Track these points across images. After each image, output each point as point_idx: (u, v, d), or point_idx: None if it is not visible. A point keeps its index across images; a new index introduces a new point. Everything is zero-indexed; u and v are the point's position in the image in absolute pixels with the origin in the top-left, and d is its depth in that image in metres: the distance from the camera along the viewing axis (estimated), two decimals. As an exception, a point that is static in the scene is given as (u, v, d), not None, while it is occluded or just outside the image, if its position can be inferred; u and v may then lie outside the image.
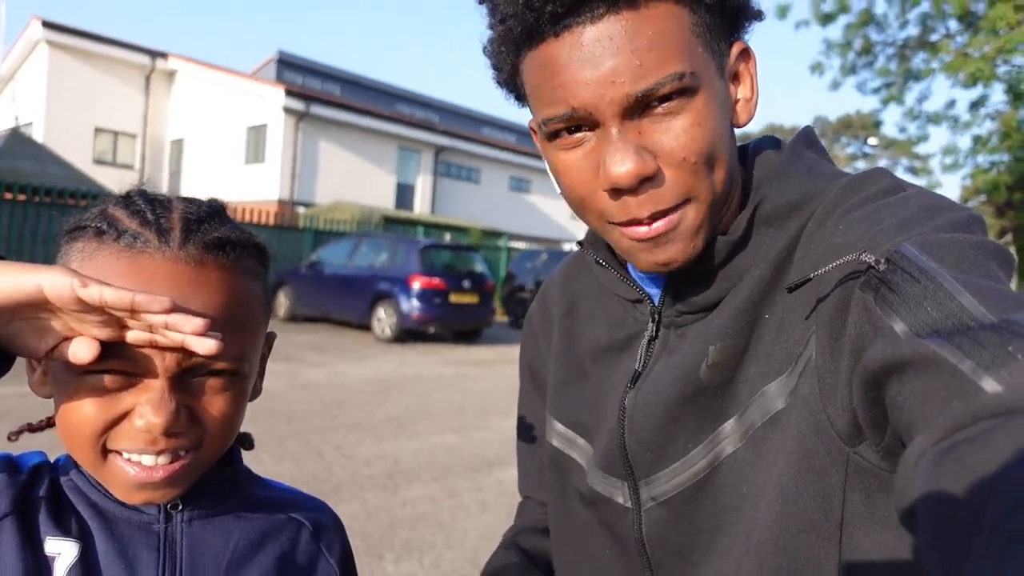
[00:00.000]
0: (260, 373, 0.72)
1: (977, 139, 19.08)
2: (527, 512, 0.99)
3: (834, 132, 50.15)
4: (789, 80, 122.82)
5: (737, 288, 0.68)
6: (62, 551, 0.60)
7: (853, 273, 0.55)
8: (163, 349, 0.58)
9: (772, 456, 0.63)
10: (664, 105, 0.60)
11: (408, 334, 10.70)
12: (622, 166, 0.60)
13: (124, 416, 0.59)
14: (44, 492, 0.62)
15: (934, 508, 0.37)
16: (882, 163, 48.40)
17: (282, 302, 12.18)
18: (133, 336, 0.56)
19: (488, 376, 8.39)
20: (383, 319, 10.62)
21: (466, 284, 10.79)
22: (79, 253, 0.62)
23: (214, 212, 0.67)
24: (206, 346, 0.55)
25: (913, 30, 18.53)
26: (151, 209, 0.64)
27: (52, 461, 0.68)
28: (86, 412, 0.59)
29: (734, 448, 0.66)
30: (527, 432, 0.96)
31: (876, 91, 19.60)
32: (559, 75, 0.61)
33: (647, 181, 0.61)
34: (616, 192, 0.62)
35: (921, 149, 47.99)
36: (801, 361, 0.61)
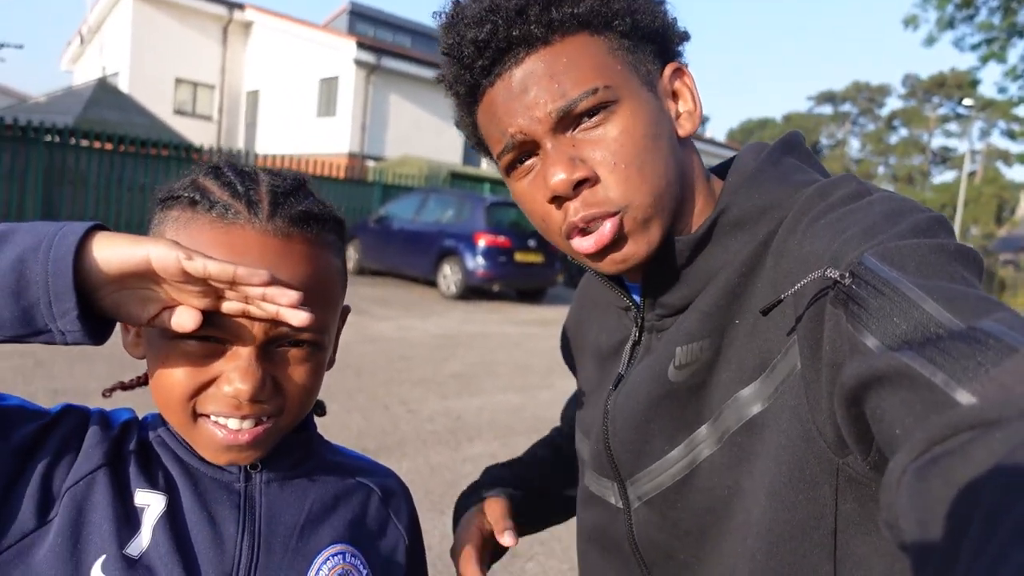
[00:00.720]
0: (335, 345, 0.74)
1: (1087, 101, 17.68)
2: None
3: (925, 91, 47.24)
4: (879, 35, 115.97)
5: (705, 291, 0.70)
6: (151, 503, 0.64)
7: (823, 289, 0.56)
8: (254, 319, 0.60)
9: (758, 460, 0.64)
10: (591, 120, 0.68)
11: (473, 291, 10.77)
12: (557, 175, 0.67)
13: (212, 381, 0.63)
14: (134, 447, 0.66)
15: (920, 523, 0.37)
16: (977, 125, 45.48)
17: (351, 255, 12.44)
18: (228, 306, 0.59)
19: (552, 336, 8.40)
20: (448, 275, 10.72)
21: (531, 243, 10.75)
22: (174, 222, 0.65)
23: (298, 185, 0.69)
24: (299, 318, 0.58)
25: (1022, -19, 17.11)
26: (240, 181, 0.66)
27: (141, 418, 0.71)
28: (178, 376, 0.62)
29: (711, 452, 0.68)
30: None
31: (975, 47, 18.32)
32: (499, 112, 0.70)
33: (583, 184, 0.68)
34: (558, 200, 0.69)
35: (1021, 111, 44.81)
36: (781, 367, 0.63)
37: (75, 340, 0.54)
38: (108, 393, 0.74)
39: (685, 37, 0.76)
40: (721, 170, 0.80)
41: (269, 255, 0.62)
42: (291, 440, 0.72)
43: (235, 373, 0.61)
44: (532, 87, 0.67)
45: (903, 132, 51.18)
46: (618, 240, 0.69)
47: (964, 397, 0.41)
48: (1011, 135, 44.14)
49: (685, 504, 0.70)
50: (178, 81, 22.83)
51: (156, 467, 0.66)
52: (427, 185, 15.44)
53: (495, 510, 0.87)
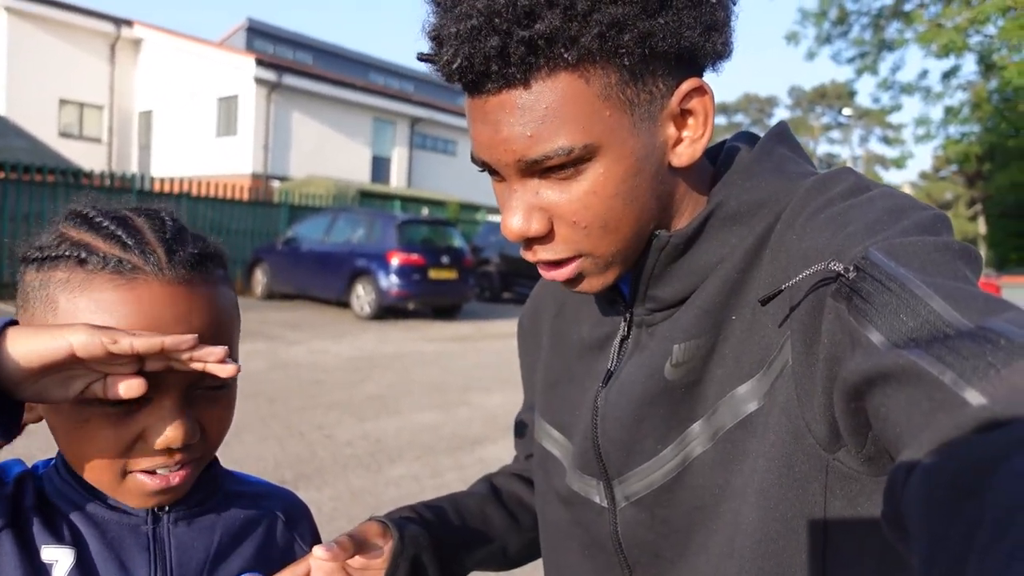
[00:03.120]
0: None
1: (949, 110, 19.28)
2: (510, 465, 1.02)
3: (809, 102, 50.27)
4: (765, 50, 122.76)
5: (703, 287, 0.68)
6: (58, 558, 0.63)
7: (823, 280, 0.55)
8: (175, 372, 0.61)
9: (749, 458, 0.63)
10: (560, 172, 0.62)
11: (387, 311, 10.66)
12: (510, 225, 0.64)
13: (138, 437, 0.63)
14: (33, 502, 0.65)
15: (927, 524, 0.37)
16: (856, 133, 48.73)
17: (259, 280, 12.06)
18: (153, 365, 0.59)
19: (469, 352, 8.42)
20: (362, 296, 10.57)
21: (444, 260, 10.75)
22: (64, 285, 0.62)
23: (180, 226, 0.70)
24: (227, 371, 0.60)
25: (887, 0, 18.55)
26: (124, 230, 0.65)
27: (31, 468, 0.70)
28: (104, 439, 0.62)
29: (703, 449, 0.66)
30: (521, 427, 0.99)
31: (851, 61, 19.68)
32: (473, 127, 0.65)
33: (535, 239, 0.65)
34: None
35: (894, 119, 48.40)
36: (776, 364, 0.61)
37: None
38: None
39: (723, 55, 0.66)
40: (710, 156, 0.76)
41: (176, 305, 0.63)
42: (198, 477, 0.73)
43: (162, 424, 0.62)
44: (503, 126, 0.61)
45: (791, 140, 54.11)
46: (575, 279, 0.68)
47: (974, 397, 0.40)
48: (886, 141, 47.58)
49: (675, 502, 0.68)
50: (62, 102, 21.55)
51: (60, 520, 0.65)
52: (335, 205, 15.18)
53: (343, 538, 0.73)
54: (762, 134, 0.76)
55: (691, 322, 0.67)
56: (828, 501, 0.58)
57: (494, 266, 14.42)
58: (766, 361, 0.63)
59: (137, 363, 0.58)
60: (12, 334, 0.53)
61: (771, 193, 0.67)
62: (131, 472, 0.64)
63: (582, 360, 0.81)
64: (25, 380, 0.53)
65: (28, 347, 0.52)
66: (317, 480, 3.93)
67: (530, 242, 0.66)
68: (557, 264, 0.67)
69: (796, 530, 0.60)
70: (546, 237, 0.65)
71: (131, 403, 0.62)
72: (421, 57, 0.65)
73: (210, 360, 0.59)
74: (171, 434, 0.62)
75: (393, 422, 5.21)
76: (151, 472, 0.64)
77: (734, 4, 0.67)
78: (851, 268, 0.52)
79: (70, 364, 0.54)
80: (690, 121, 0.65)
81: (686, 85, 0.64)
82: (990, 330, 0.42)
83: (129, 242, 0.64)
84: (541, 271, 0.69)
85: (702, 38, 0.62)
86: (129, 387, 0.57)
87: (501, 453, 4.59)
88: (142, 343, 0.55)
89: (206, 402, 0.67)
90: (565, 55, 0.58)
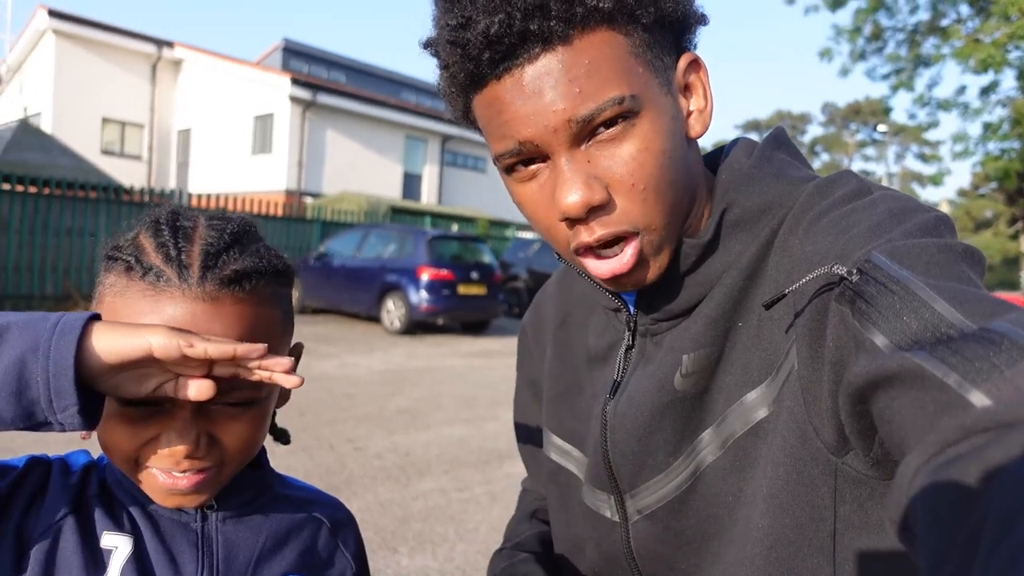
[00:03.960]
0: None
1: (987, 126, 18.88)
2: (526, 500, 1.01)
3: (843, 119, 49.73)
4: (798, 66, 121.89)
5: (710, 296, 0.68)
6: (118, 545, 0.66)
7: (827, 284, 0.56)
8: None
9: (759, 465, 0.63)
10: (609, 131, 0.61)
11: (417, 326, 10.73)
12: (571, 196, 0.61)
13: (153, 439, 0.66)
14: (95, 491, 0.69)
15: (933, 527, 0.37)
16: (892, 149, 48.00)
17: (292, 294, 12.22)
18: (220, 370, 0.61)
19: (497, 367, 8.42)
20: (392, 311, 10.66)
21: (474, 275, 10.81)
22: (111, 288, 0.67)
23: (236, 239, 0.70)
24: (292, 382, 0.61)
25: (924, 15, 18.33)
26: (174, 242, 0.67)
27: (96, 459, 0.73)
28: (121, 436, 0.65)
29: (714, 457, 0.66)
30: (528, 437, 0.97)
31: (886, 77, 19.42)
32: (504, 113, 0.62)
33: (597, 209, 0.63)
34: (570, 221, 0.64)
35: (931, 136, 47.67)
36: (783, 370, 0.61)
37: (73, 429, 0.56)
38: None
39: (703, 21, 0.69)
40: (709, 163, 0.76)
41: (197, 320, 0.64)
42: (245, 478, 0.75)
43: (172, 433, 0.64)
44: (547, 90, 0.60)
45: (825, 157, 53.64)
46: (637, 265, 0.66)
47: (978, 399, 0.40)
48: (923, 158, 46.76)
49: (688, 513, 0.68)
50: (105, 120, 22.22)
51: (120, 509, 0.68)
52: (367, 221, 15.37)
53: None
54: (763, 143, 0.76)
55: (700, 331, 0.67)
56: (837, 505, 0.58)
57: (523, 282, 14.45)
58: (774, 367, 0.63)
59: (207, 367, 0.60)
60: (97, 329, 0.55)
61: (774, 198, 0.67)
62: (145, 467, 0.67)
63: (590, 371, 0.81)
64: (104, 374, 0.55)
65: (110, 343, 0.54)
66: (346, 491, 3.95)
67: (589, 216, 0.63)
68: (616, 246, 0.65)
69: (806, 535, 0.59)
70: (606, 207, 0.63)
71: (147, 409, 0.64)
72: (447, 39, 0.62)
73: (277, 370, 0.60)
74: (176, 446, 0.64)
75: (422, 435, 5.23)
76: (165, 471, 0.66)
77: None
78: (854, 271, 0.52)
79: (147, 363, 0.56)
80: (693, 97, 0.69)
81: (683, 59, 0.68)
82: (994, 332, 0.42)
83: (173, 253, 0.66)
84: (597, 268, 0.66)
85: (691, 7, 0.67)
86: (200, 389, 0.59)
87: (529, 468, 4.57)
88: (215, 348, 0.57)
89: (226, 417, 0.67)
90: (601, 5, 0.60)
